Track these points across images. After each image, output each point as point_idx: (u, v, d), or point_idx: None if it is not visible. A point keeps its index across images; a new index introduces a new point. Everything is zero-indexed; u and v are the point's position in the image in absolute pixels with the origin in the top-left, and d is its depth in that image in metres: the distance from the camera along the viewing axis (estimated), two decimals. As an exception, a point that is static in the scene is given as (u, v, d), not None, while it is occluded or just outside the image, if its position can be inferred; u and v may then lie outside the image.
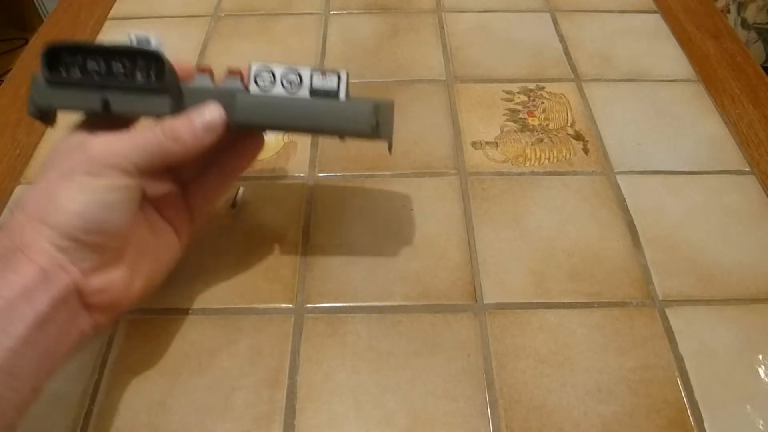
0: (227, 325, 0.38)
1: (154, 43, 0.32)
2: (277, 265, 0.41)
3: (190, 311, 0.38)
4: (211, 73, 0.34)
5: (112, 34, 0.61)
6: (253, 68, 0.33)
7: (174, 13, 0.64)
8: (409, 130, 0.49)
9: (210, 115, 0.32)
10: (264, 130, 0.38)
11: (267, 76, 0.33)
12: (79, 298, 0.31)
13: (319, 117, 0.33)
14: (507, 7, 0.64)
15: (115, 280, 0.32)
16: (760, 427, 0.33)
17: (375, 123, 0.33)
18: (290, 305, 0.39)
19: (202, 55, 0.58)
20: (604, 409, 0.34)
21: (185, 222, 0.38)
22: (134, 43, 0.32)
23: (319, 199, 0.45)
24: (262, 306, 0.39)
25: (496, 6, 0.64)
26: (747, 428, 0.33)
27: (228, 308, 0.39)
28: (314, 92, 0.33)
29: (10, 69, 0.59)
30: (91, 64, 0.32)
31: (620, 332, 0.37)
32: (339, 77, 0.33)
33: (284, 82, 0.33)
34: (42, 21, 0.74)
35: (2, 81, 0.61)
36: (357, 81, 0.55)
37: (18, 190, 0.46)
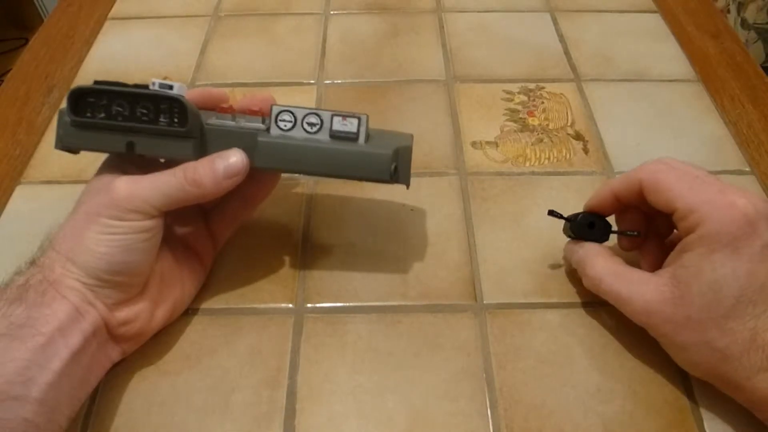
0: (227, 325, 0.38)
1: (176, 88, 0.32)
2: (277, 265, 0.41)
3: (190, 311, 0.38)
4: (232, 111, 0.35)
5: (111, 34, 0.61)
6: (275, 110, 0.34)
7: (174, 13, 0.64)
8: (408, 130, 0.49)
9: (234, 162, 0.33)
10: (283, 172, 0.39)
11: (288, 118, 0.34)
12: (107, 330, 0.33)
13: (338, 163, 0.34)
14: (507, 7, 0.64)
15: (139, 313, 0.34)
16: (760, 427, 0.33)
17: (393, 169, 0.34)
18: (290, 305, 0.39)
19: (202, 55, 0.58)
20: (604, 409, 0.34)
21: (208, 248, 0.39)
22: (156, 88, 0.32)
23: (319, 199, 0.45)
24: (262, 306, 0.39)
25: (496, 6, 0.64)
26: (747, 428, 0.33)
27: (228, 308, 0.39)
28: (334, 135, 0.34)
29: (10, 69, 0.59)
30: (116, 107, 0.32)
31: (620, 332, 0.37)
32: (359, 120, 0.34)
33: (305, 125, 0.34)
34: (42, 21, 0.74)
35: (2, 81, 0.61)
36: (357, 81, 0.55)
37: (18, 190, 0.46)
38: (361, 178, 0.35)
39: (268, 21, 0.62)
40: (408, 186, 0.36)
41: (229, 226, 0.40)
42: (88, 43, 0.60)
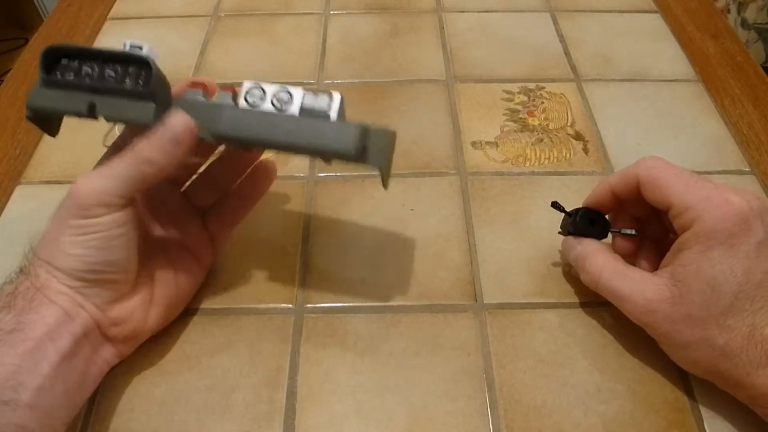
0: (227, 325, 0.38)
1: (146, 50, 0.31)
2: (277, 265, 0.41)
3: (190, 311, 0.38)
4: (204, 87, 0.34)
5: (111, 34, 0.61)
6: (246, 85, 0.33)
7: (174, 13, 0.64)
8: (409, 130, 0.49)
9: (173, 124, 0.31)
10: (246, 147, 0.37)
11: (257, 93, 0.33)
12: (99, 331, 0.32)
13: (298, 134, 0.32)
14: (507, 7, 0.64)
15: (131, 312, 0.34)
16: (760, 427, 0.33)
17: (360, 146, 0.31)
18: (290, 305, 0.39)
19: (202, 55, 0.58)
20: (604, 409, 0.34)
21: (206, 248, 0.39)
22: (127, 49, 0.32)
23: (319, 199, 0.45)
24: (262, 306, 0.39)
25: (496, 6, 0.64)
26: (747, 428, 0.33)
27: (228, 308, 0.39)
28: (303, 111, 0.32)
29: (10, 69, 0.59)
30: (86, 68, 0.32)
31: (620, 332, 0.37)
32: (331, 98, 0.32)
33: (274, 100, 0.32)
34: (42, 21, 0.74)
35: (2, 81, 0.61)
36: (357, 81, 0.55)
37: (18, 190, 0.46)
38: (324, 152, 0.32)
39: (268, 21, 0.62)
40: (384, 175, 0.33)
41: (228, 225, 0.40)
42: (88, 43, 0.60)
